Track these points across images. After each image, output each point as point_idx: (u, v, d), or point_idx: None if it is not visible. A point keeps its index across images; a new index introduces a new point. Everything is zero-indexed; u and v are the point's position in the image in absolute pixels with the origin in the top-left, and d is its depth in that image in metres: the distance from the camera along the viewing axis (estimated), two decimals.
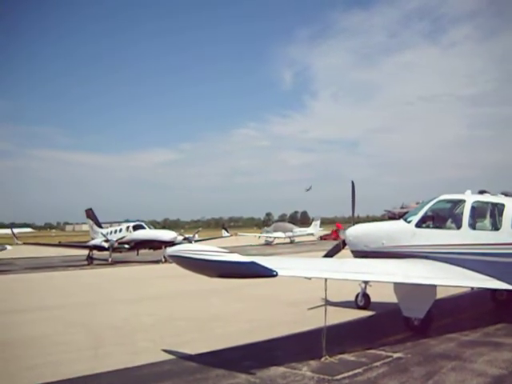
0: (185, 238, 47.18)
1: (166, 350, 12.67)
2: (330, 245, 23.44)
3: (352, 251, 17.80)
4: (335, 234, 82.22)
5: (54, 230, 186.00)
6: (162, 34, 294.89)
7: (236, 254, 10.56)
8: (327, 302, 12.28)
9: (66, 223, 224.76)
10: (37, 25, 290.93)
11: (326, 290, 11.65)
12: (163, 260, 43.12)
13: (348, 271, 12.57)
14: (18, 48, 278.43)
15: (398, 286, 13.57)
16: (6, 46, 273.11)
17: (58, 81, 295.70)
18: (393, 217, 48.44)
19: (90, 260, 46.66)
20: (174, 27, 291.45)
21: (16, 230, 54.00)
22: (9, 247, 44.45)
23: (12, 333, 15.85)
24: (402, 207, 59.57)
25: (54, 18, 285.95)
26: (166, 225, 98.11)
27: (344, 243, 18.49)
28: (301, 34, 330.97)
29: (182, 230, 60.50)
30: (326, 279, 11.62)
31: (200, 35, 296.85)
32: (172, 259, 11.64)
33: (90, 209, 56.96)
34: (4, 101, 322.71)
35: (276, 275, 10.12)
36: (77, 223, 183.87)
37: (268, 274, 10.12)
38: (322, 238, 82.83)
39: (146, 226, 48.25)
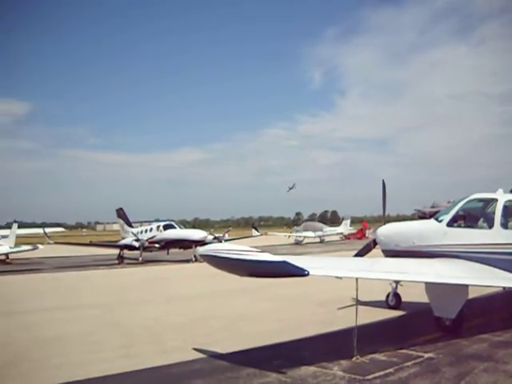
0: (215, 238, 47.18)
1: (196, 349, 12.74)
2: (359, 244, 23.35)
3: (383, 250, 17.68)
4: (361, 233, 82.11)
5: (84, 230, 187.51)
6: (194, 30, 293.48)
7: (267, 254, 10.57)
8: (358, 302, 12.25)
9: (97, 223, 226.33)
10: (71, 25, 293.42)
11: (357, 290, 11.62)
12: (193, 259, 43.28)
13: (379, 271, 12.50)
14: (49, 50, 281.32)
15: (430, 286, 13.45)
16: (38, 48, 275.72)
17: (87, 82, 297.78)
18: (423, 216, 48.12)
19: (120, 259, 46.93)
20: (202, 23, 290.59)
21: (47, 230, 54.67)
22: (41, 246, 45.11)
23: (44, 331, 16.03)
24: (432, 206, 59.01)
25: (88, 20, 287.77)
26: (195, 224, 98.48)
27: (375, 242, 18.39)
28: (329, 33, 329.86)
29: (212, 230, 60.48)
30: (356, 279, 11.59)
31: (226, 33, 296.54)
32: (203, 258, 11.70)
33: (121, 208, 57.37)
34: (33, 102, 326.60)
35: (307, 274, 10.11)
36: (107, 223, 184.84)
37: (300, 273, 10.11)
38: (346, 237, 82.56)
39: (176, 226, 48.43)
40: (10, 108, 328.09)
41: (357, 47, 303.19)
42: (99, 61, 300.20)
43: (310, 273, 10.15)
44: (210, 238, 46.32)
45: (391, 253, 16.88)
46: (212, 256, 11.20)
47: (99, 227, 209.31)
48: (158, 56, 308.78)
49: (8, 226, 60.68)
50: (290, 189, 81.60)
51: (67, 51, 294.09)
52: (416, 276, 12.68)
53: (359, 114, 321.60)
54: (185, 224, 56.52)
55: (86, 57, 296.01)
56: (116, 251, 48.98)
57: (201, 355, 12.28)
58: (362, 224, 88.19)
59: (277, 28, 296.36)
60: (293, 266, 10.15)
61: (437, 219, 16.24)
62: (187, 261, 43.88)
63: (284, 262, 10.24)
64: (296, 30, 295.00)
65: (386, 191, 19.20)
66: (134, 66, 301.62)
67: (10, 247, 48.15)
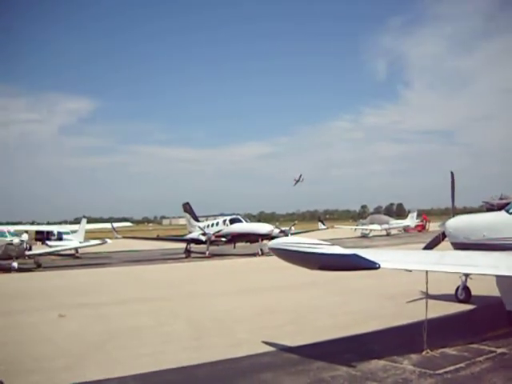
0: (281, 231, 46.97)
1: (265, 342, 12.87)
2: (426, 237, 23.05)
3: (452, 243, 17.40)
4: (421, 226, 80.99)
5: (151, 224, 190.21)
6: (258, 20, 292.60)
7: (338, 247, 10.59)
8: (427, 295, 12.15)
9: (163, 217, 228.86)
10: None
11: (426, 283, 11.54)
12: (260, 253, 43.55)
13: (449, 264, 12.32)
14: (117, 48, 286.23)
15: (501, 280, 13.20)
16: (108, 46, 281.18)
17: (155, 79, 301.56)
18: (491, 208, 47.01)
19: (187, 253, 47.73)
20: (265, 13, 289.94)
21: (115, 225, 55.91)
22: (109, 241, 46.05)
23: (116, 323, 16.50)
24: (500, 198, 57.57)
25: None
26: (261, 218, 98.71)
27: (443, 235, 18.13)
28: (393, 23, 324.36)
29: (278, 223, 60.61)
30: (426, 272, 11.49)
31: (292, 28, 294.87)
32: (273, 252, 11.77)
33: (187, 203, 58.02)
34: (101, 100, 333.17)
35: (378, 267, 10.08)
36: (173, 217, 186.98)
37: (370, 266, 10.10)
38: (406, 229, 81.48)
39: (242, 220, 48.82)
40: (80, 106, 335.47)
41: (421, 37, 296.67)
42: (165, 57, 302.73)
43: (381, 266, 10.11)
44: (277, 231, 46.23)
45: (460, 246, 16.61)
46: (282, 249, 11.27)
47: (165, 221, 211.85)
48: (224, 51, 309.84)
49: (77, 222, 62.36)
50: (297, 181, 78.59)
51: (135, 49, 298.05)
52: (487, 269, 12.44)
53: (424, 105, 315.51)
54: (250, 218, 56.82)
55: (152, 54, 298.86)
56: (183, 245, 49.72)
57: (270, 348, 12.41)
58: (422, 217, 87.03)
59: (340, 20, 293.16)
60: (364, 258, 10.14)
61: (508, 211, 15.90)
62: (253, 254, 44.23)
63: (355, 255, 10.24)
64: (359, 21, 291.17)
65: (455, 183, 18.88)
66: (198, 63, 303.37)
67: (80, 242, 49.46)
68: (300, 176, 77.59)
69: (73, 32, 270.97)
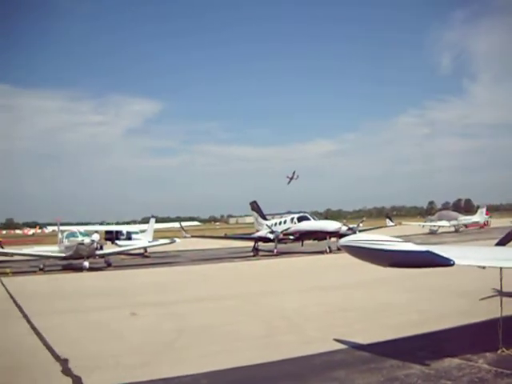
0: (349, 229, 46.62)
1: (337, 340, 12.85)
2: (496, 234, 22.53)
3: None
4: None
5: (218, 223, 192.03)
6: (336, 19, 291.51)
7: (410, 243, 10.47)
8: (502, 293, 11.90)
9: (230, 216, 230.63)
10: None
11: (501, 280, 11.29)
12: (328, 250, 43.41)
13: None
14: (181, 50, 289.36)
15: None
16: (173, 49, 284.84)
17: (215, 79, 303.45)
18: None
19: (255, 251, 47.85)
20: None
21: (183, 224, 56.57)
22: (177, 240, 46.69)
23: (187, 321, 16.75)
24: None
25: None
26: (327, 215, 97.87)
27: None
28: (457, 16, 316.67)
29: (345, 220, 60.17)
30: (501, 268, 11.22)
31: (363, 26, 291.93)
32: (345, 249, 11.71)
33: (255, 201, 58.22)
34: (166, 101, 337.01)
35: (453, 264, 9.78)
36: (240, 216, 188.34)
37: (444, 263, 9.82)
38: (466, 226, 79.52)
39: (310, 217, 48.63)
40: (145, 107, 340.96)
41: (487, 29, 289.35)
42: (227, 57, 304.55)
43: (456, 262, 9.85)
44: (344, 228, 45.87)
45: None
46: (354, 246, 11.21)
47: (232, 220, 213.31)
48: (295, 48, 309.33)
49: (145, 221, 63.42)
50: (291, 179, 75.16)
51: (197, 51, 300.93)
52: None
53: (492, 98, 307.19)
54: (317, 215, 56.58)
55: (215, 55, 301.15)
56: (250, 244, 49.96)
57: (342, 346, 12.39)
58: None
59: (403, 13, 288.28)
60: (437, 255, 9.90)
61: None
62: (321, 252, 44.08)
63: (428, 252, 10.02)
64: (423, 15, 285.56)
65: None
66: (260, 59, 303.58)
67: (149, 241, 50.33)
68: (293, 173, 75.51)
69: (137, 35, 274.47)
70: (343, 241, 12.07)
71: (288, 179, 77.51)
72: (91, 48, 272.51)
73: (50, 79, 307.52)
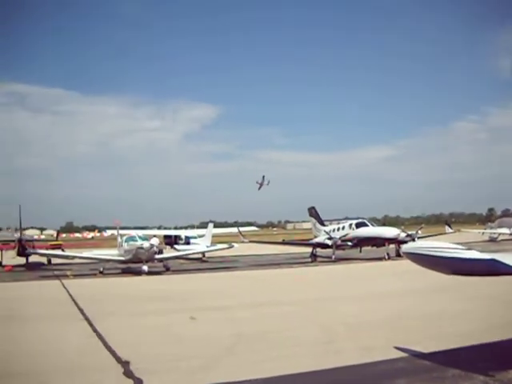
0: (408, 235, 46.25)
1: (398, 348, 12.66)
2: None
3: None
4: None
5: (275, 229, 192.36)
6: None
7: (474, 251, 10.24)
8: None
9: (287, 221, 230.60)
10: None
11: None
12: (386, 257, 43.05)
13: None
14: (235, 56, 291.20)
15: None
16: (227, 55, 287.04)
17: (272, 82, 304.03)
18: None
19: (313, 257, 47.82)
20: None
21: (241, 229, 56.95)
22: (236, 245, 47.03)
23: (245, 327, 16.81)
24: None
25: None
26: (385, 221, 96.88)
27: None
28: None
29: (403, 227, 59.56)
30: None
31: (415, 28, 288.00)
32: (407, 256, 11.56)
33: (313, 207, 58.20)
34: (222, 106, 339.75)
35: None
36: (297, 221, 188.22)
37: (510, 271, 9.59)
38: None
39: (368, 224, 48.38)
40: (202, 113, 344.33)
41: None
42: (283, 62, 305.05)
43: None
44: (403, 235, 45.51)
45: None
46: (416, 254, 11.06)
47: (289, 226, 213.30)
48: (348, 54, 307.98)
49: (203, 226, 64.05)
50: (261, 185, 72.02)
51: (254, 57, 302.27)
52: None
53: None
54: (375, 221, 56.14)
55: (270, 59, 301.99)
56: (308, 249, 49.87)
57: (403, 354, 12.20)
58: None
59: (461, 15, 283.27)
60: (503, 264, 9.65)
61: None
62: (379, 259, 43.70)
63: (493, 260, 9.79)
64: (482, 17, 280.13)
65: None
66: (315, 66, 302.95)
67: (207, 246, 50.85)
68: (263, 178, 73.37)
69: (192, 42, 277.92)
70: (406, 248, 11.95)
71: (258, 185, 76.19)
72: (150, 54, 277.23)
73: (109, 86, 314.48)
